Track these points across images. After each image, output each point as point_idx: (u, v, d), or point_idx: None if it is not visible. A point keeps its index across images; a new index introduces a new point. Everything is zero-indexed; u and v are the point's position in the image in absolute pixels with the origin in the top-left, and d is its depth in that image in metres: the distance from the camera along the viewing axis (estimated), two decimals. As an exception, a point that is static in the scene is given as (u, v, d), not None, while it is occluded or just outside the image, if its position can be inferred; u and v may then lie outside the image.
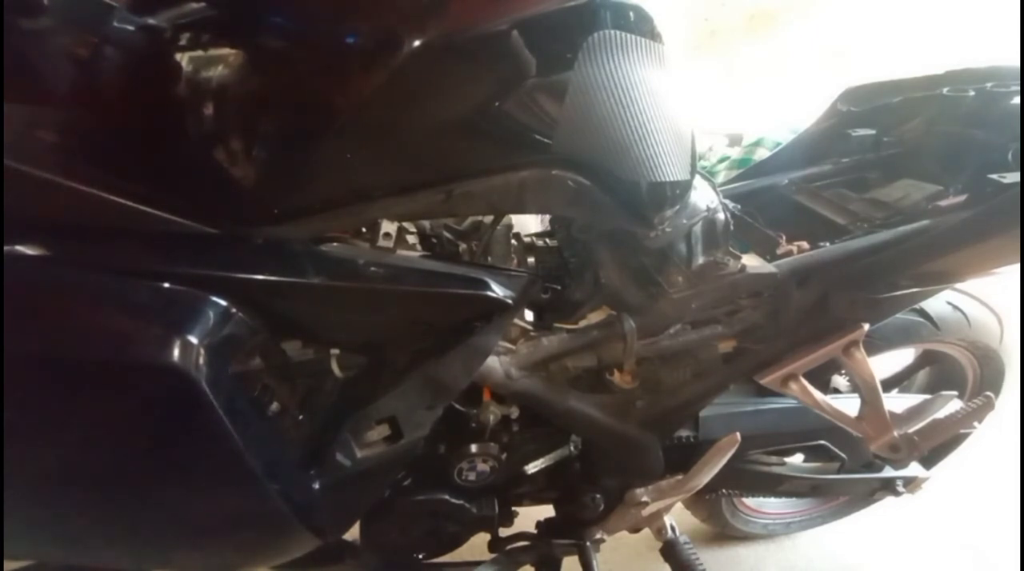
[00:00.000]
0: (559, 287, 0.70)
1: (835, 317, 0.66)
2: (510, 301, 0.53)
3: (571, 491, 0.79)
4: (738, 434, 0.73)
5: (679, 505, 1.01)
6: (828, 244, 0.69)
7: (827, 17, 2.40)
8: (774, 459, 0.91)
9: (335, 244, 0.48)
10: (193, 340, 0.40)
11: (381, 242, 0.50)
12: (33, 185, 0.37)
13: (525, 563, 0.83)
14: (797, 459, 0.95)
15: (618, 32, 0.46)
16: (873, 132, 0.86)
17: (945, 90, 0.80)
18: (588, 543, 0.82)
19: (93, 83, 0.37)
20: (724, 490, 0.91)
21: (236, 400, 0.44)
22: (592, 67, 0.45)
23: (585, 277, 0.69)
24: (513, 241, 0.66)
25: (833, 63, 2.33)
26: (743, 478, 0.88)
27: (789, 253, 0.69)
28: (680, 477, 0.77)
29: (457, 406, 0.66)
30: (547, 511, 0.85)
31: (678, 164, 0.54)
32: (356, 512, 0.63)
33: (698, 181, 0.62)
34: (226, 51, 0.38)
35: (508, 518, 0.81)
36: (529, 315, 0.70)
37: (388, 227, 0.50)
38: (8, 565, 0.64)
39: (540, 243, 0.72)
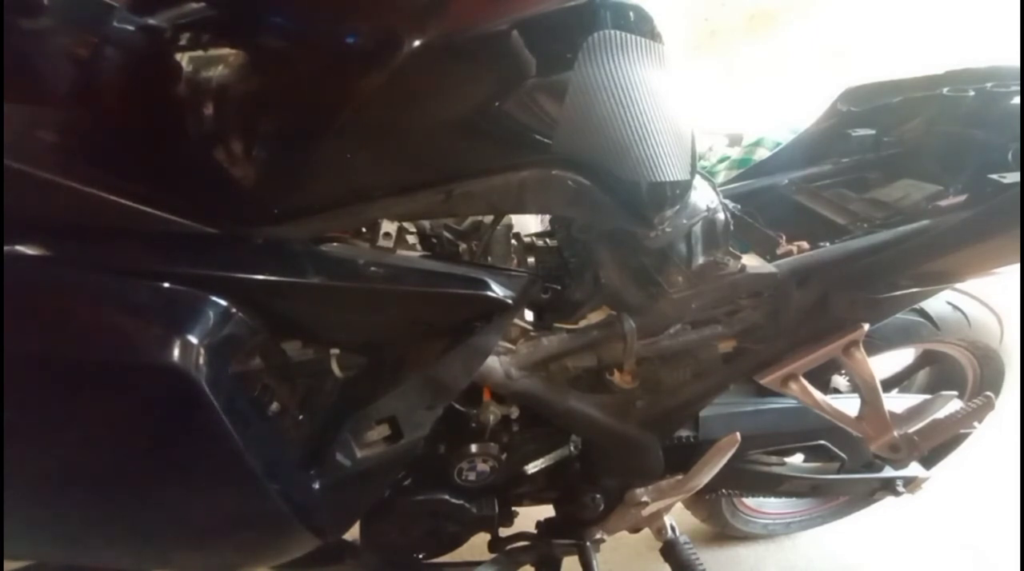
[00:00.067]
0: (559, 287, 0.70)
1: (835, 317, 0.66)
2: (510, 301, 0.53)
3: (571, 491, 0.79)
4: (738, 434, 0.73)
5: (679, 505, 1.01)
6: (828, 244, 0.69)
7: (827, 17, 2.39)
8: (774, 459, 0.91)
9: (335, 244, 0.48)
10: (193, 340, 0.40)
11: (381, 242, 0.50)
12: (33, 185, 0.37)
13: (525, 563, 0.83)
14: (797, 459, 0.95)
15: (618, 32, 0.46)
16: (873, 132, 0.86)
17: (945, 90, 0.80)
18: (588, 543, 0.82)
19: (93, 83, 0.37)
20: (724, 490, 0.91)
21: (236, 400, 0.44)
22: (592, 67, 0.45)
23: (585, 277, 0.69)
24: (513, 241, 0.66)
25: (833, 63, 2.32)
26: (743, 478, 0.88)
27: (789, 253, 0.69)
28: (680, 477, 0.77)
29: (457, 406, 0.66)
30: (547, 511, 0.85)
31: (678, 164, 0.54)
32: (356, 512, 0.63)
33: (698, 181, 0.62)
34: (226, 51, 0.38)
35: (508, 518, 0.81)
36: (529, 315, 0.70)
37: (388, 227, 0.50)
38: (8, 565, 0.64)
39: (540, 243, 0.72)
